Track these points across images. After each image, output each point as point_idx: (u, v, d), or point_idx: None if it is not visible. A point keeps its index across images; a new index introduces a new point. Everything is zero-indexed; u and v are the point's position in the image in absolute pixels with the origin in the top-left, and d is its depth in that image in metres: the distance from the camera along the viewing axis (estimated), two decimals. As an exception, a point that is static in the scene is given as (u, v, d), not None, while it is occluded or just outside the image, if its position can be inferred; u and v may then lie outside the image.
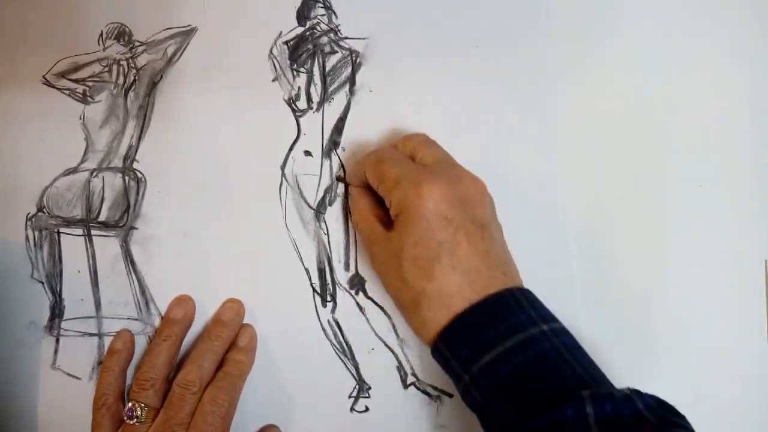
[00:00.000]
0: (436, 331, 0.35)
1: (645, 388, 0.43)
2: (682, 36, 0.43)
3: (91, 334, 0.45)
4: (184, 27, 0.45)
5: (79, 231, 0.45)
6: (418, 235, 0.35)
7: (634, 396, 0.32)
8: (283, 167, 0.45)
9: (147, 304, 0.45)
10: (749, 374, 0.43)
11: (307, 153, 0.45)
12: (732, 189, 0.43)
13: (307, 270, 0.44)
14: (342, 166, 0.44)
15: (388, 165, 0.38)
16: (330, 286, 0.44)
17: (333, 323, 0.44)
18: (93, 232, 0.45)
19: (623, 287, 0.43)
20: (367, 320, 0.44)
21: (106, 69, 0.46)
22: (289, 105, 0.45)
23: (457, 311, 0.35)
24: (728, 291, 0.43)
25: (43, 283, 0.45)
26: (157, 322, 0.45)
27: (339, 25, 0.45)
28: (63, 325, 0.45)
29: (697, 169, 0.43)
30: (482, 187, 0.38)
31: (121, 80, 0.46)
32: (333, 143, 0.45)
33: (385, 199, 0.38)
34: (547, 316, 0.36)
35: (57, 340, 0.45)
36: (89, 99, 0.46)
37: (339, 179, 0.44)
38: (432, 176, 0.36)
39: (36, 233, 0.46)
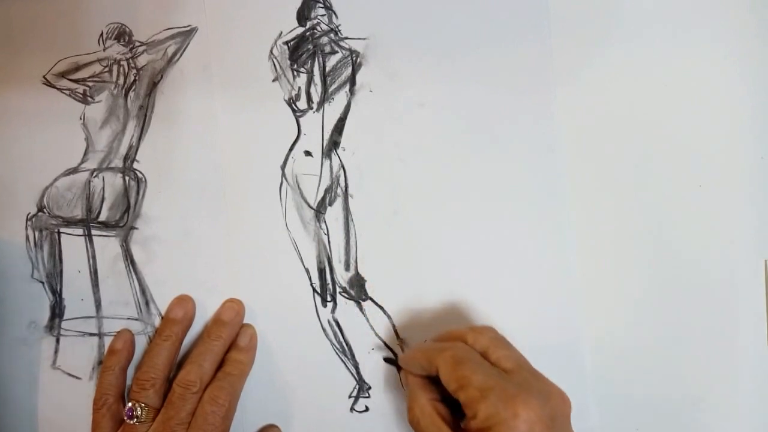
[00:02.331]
0: None
1: (645, 388, 0.43)
2: (682, 36, 0.43)
3: (91, 334, 0.45)
4: (184, 27, 0.45)
5: (80, 231, 0.45)
6: None
7: None
8: (283, 167, 0.45)
9: (147, 303, 0.45)
10: (749, 374, 0.43)
11: (308, 153, 0.45)
12: (732, 189, 0.43)
13: (307, 270, 0.44)
14: (393, 352, 0.43)
15: (471, 370, 0.35)
16: (330, 286, 0.44)
17: (333, 323, 0.44)
18: (93, 232, 0.45)
19: (621, 286, 0.43)
20: (367, 320, 0.44)
21: (107, 69, 0.46)
22: (290, 105, 0.45)
23: None
24: (728, 291, 0.43)
25: (43, 283, 0.45)
26: (157, 321, 0.45)
27: (339, 25, 0.45)
28: (63, 324, 0.45)
29: (697, 169, 0.43)
30: (568, 401, 0.36)
31: (121, 80, 0.46)
32: (333, 143, 0.45)
33: (466, 408, 0.35)
34: None
35: (57, 340, 0.45)
36: (89, 99, 0.46)
37: (388, 361, 0.43)
38: (524, 393, 0.34)
39: (36, 233, 0.46)
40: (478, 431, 0.34)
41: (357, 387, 0.44)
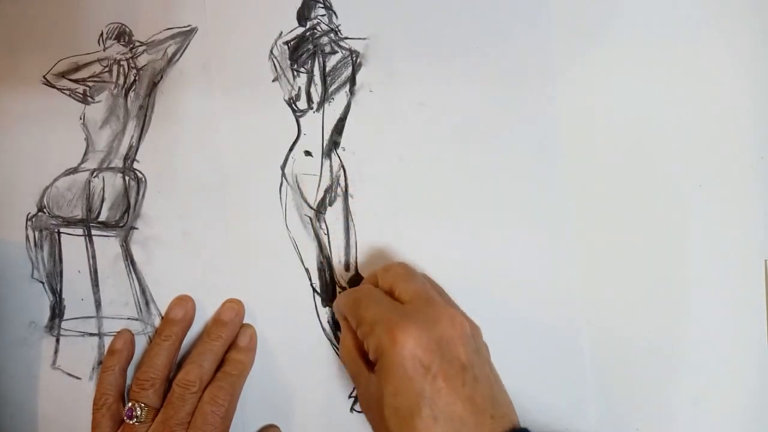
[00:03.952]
0: None
1: (645, 388, 0.43)
2: (681, 36, 0.43)
3: (91, 334, 0.45)
4: (184, 27, 0.45)
5: (80, 231, 0.45)
6: (397, 384, 0.33)
7: None
8: (283, 167, 0.45)
9: (147, 304, 0.45)
10: (749, 375, 0.43)
11: (308, 153, 0.45)
12: (732, 189, 0.43)
13: (307, 270, 0.44)
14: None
15: (364, 308, 0.36)
16: (330, 286, 0.44)
17: (333, 323, 0.44)
18: (93, 232, 0.45)
19: (621, 286, 0.43)
20: (367, 320, 0.44)
21: (107, 69, 0.46)
22: (290, 105, 0.45)
23: None
24: (728, 291, 0.43)
25: (43, 283, 0.46)
26: (157, 321, 0.45)
27: (339, 25, 0.45)
28: (63, 324, 0.45)
29: (697, 169, 0.43)
30: (460, 323, 0.35)
31: (121, 80, 0.46)
32: (333, 143, 0.45)
33: (365, 344, 0.36)
34: None
35: (57, 340, 0.45)
36: (89, 99, 0.46)
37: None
38: (406, 319, 0.34)
39: (36, 233, 0.46)
40: (374, 362, 0.35)
41: (357, 387, 0.44)
